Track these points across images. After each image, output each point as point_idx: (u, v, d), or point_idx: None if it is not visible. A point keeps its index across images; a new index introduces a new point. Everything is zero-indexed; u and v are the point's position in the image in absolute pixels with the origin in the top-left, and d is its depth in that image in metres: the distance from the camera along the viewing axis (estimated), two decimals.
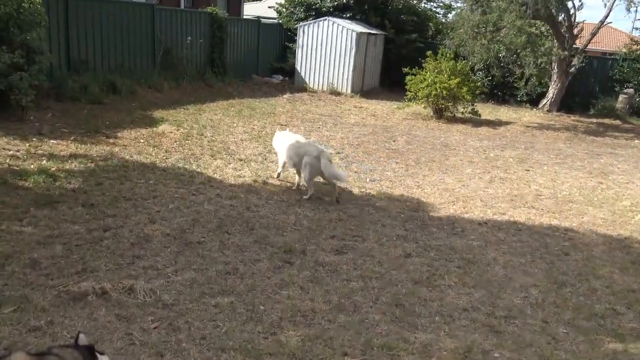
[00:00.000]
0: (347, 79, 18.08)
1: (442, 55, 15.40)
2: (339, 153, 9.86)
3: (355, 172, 8.68)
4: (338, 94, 17.97)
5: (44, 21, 9.63)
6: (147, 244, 4.96)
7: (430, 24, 22.73)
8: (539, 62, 14.76)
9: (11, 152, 7.36)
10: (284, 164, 7.28)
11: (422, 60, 15.80)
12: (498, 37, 15.29)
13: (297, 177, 7.33)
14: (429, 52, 15.46)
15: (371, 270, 4.91)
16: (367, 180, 8.27)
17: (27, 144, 7.78)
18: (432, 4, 26.35)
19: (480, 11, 15.53)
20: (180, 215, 5.81)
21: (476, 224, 6.59)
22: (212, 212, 5.99)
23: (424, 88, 14.87)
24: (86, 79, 11.45)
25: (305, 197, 6.84)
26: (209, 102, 13.44)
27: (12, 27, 8.93)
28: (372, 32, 18.98)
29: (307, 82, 18.53)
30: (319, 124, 12.59)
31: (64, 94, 10.75)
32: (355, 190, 7.63)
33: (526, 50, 15.39)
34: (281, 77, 19.54)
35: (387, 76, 21.25)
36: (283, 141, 7.30)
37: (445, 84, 14.49)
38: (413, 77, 15.41)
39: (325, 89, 18.27)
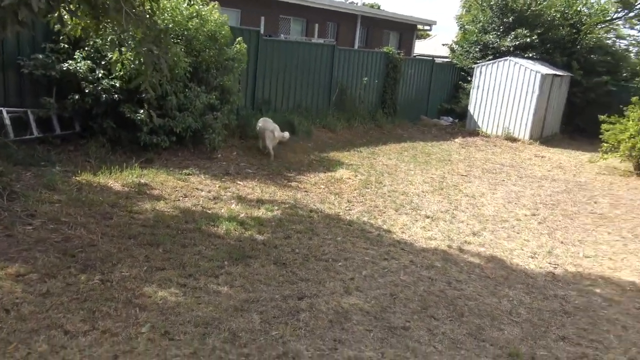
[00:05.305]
0: (526, 124, 16.46)
1: None
2: (534, 215, 8.58)
3: (562, 242, 7.36)
4: (514, 140, 16.44)
5: (244, 64, 9.93)
6: (347, 324, 4.34)
7: (625, 64, 20.08)
8: None
9: (203, 192, 7.45)
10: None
11: (623, 107, 13.70)
12: None
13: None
14: (634, 99, 13.33)
15: None
16: (580, 254, 6.92)
17: (217, 185, 7.86)
18: (623, 41, 23.46)
19: None
20: (376, 286, 5.15)
21: None
22: (410, 286, 5.24)
23: (626, 140, 12.82)
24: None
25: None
26: (382, 145, 12.99)
27: (213, 69, 9.28)
28: (557, 73, 17.17)
29: (480, 126, 17.27)
30: (502, 176, 11.36)
31: (247, 133, 11.00)
32: (570, 268, 6.36)
33: None
34: (451, 119, 18.51)
35: (569, 122, 19.13)
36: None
37: None
38: (611, 125, 13.43)
39: (499, 133, 16.84)
